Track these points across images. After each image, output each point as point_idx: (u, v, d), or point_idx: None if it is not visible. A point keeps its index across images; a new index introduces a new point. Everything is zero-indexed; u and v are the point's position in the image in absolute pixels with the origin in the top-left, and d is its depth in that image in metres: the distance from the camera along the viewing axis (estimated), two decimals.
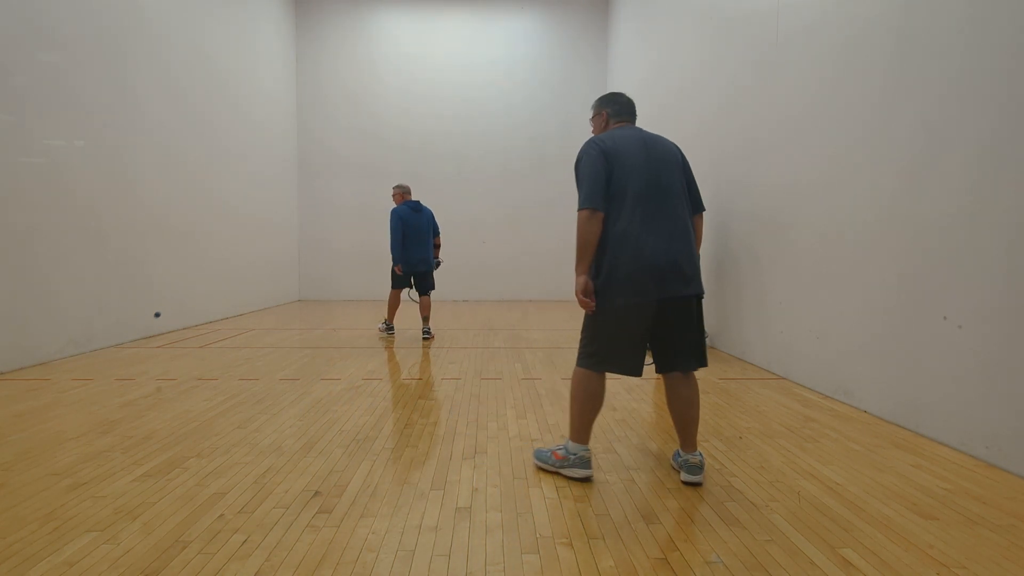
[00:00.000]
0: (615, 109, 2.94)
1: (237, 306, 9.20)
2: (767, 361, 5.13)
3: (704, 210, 2.90)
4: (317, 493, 2.53)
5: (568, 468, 2.74)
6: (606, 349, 2.71)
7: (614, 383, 4.61)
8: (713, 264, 6.28)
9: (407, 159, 11.70)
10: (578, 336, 2.90)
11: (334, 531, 2.20)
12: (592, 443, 3.09)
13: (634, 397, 4.22)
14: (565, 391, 4.28)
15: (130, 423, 3.52)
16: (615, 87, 11.25)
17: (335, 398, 4.15)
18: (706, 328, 6.21)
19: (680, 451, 2.79)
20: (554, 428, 3.49)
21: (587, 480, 2.71)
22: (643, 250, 2.60)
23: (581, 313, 2.92)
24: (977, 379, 2.99)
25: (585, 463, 2.72)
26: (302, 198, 11.86)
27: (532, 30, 11.92)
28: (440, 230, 7.37)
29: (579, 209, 2.65)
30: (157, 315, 6.95)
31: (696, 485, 2.70)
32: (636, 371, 2.72)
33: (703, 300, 2.78)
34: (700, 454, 2.73)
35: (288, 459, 2.94)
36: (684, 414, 2.74)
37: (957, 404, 3.11)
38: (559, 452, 2.80)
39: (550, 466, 2.81)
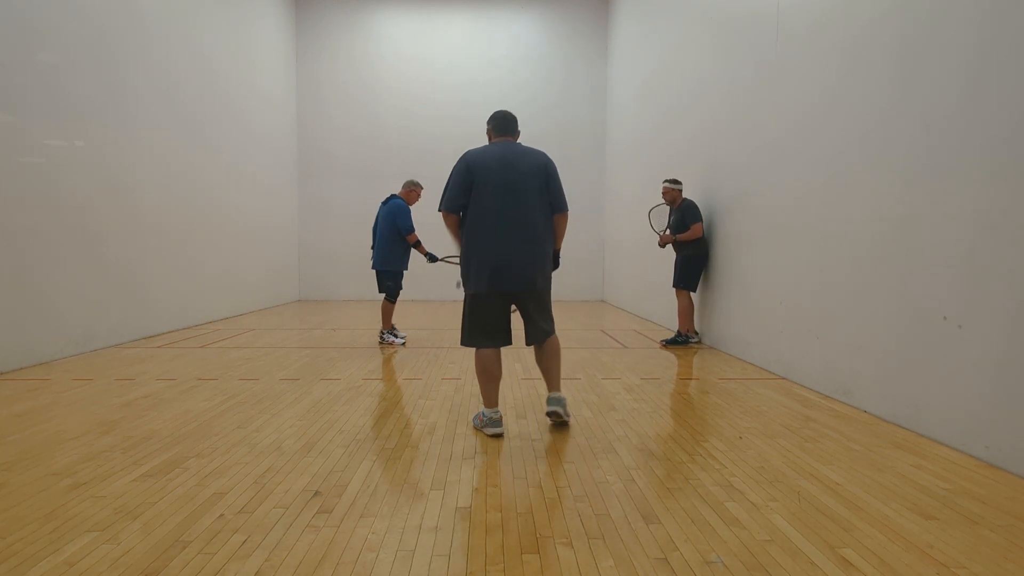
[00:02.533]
0: (492, 125, 3.54)
1: (237, 306, 9.20)
2: (767, 361, 5.13)
3: (565, 210, 3.45)
4: (317, 493, 2.53)
5: (485, 428, 3.34)
6: (469, 328, 3.41)
7: (616, 384, 4.62)
8: (714, 264, 6.29)
9: (407, 160, 11.68)
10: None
11: (334, 531, 2.20)
12: (592, 442, 3.18)
13: (634, 397, 4.22)
14: (565, 391, 4.27)
15: (130, 423, 3.52)
16: (616, 87, 11.25)
17: (335, 398, 4.15)
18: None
19: (549, 394, 3.47)
20: (554, 427, 3.49)
21: (499, 436, 3.29)
22: (490, 253, 3.26)
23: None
24: (977, 379, 2.99)
25: (495, 423, 3.33)
26: (302, 197, 11.86)
27: (533, 30, 11.91)
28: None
29: (438, 210, 3.39)
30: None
31: (557, 415, 3.41)
32: (498, 344, 3.41)
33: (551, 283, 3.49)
34: (562, 395, 3.45)
35: (288, 459, 2.94)
36: (546, 365, 3.49)
37: (957, 404, 3.11)
38: (480, 416, 3.40)
39: (477, 428, 3.42)
